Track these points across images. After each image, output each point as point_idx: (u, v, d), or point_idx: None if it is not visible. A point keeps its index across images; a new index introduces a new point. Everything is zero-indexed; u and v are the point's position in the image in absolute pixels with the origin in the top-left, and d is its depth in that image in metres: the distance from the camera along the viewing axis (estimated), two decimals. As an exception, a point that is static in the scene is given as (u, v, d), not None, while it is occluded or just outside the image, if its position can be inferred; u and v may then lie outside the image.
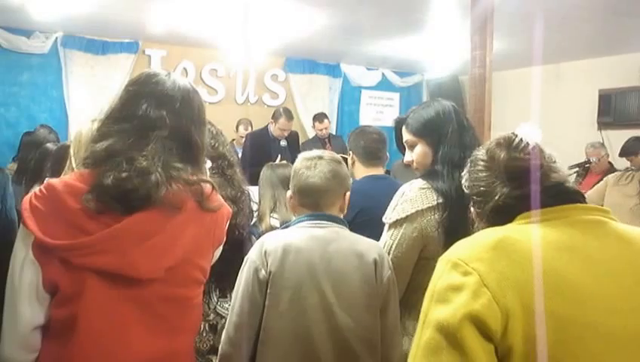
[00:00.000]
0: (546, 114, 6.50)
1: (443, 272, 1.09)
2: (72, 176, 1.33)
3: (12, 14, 5.26)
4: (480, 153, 1.31)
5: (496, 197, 1.22)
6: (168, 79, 1.41)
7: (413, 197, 1.91)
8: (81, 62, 6.30)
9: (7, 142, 5.88)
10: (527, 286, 1.02)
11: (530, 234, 1.12)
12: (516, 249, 1.07)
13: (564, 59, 7.03)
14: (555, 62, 7.17)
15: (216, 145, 2.37)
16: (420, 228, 1.88)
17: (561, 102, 6.89)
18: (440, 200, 1.86)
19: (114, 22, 5.69)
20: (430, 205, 1.87)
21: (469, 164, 1.34)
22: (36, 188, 1.32)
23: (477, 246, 1.10)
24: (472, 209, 1.34)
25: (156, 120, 1.34)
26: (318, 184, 1.84)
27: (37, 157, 3.37)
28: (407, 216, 1.90)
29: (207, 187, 1.39)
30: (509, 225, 1.17)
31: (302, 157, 1.95)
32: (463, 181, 1.36)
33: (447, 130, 1.95)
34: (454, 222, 1.82)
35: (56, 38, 6.22)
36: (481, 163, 1.28)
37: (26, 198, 1.30)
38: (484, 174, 1.27)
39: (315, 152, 1.95)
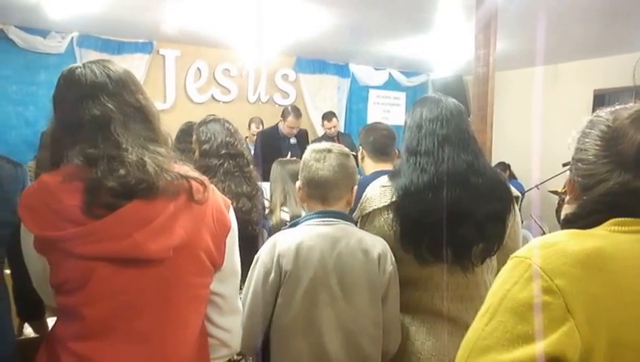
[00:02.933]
0: (544, 112, 6.60)
1: (520, 278, 0.91)
2: (61, 171, 1.30)
3: (28, 14, 5.31)
4: (604, 118, 1.07)
5: (610, 184, 1.00)
6: (86, 70, 1.36)
7: (373, 195, 1.96)
8: None
9: (26, 141, 5.94)
10: (619, 316, 0.87)
11: (630, 249, 0.93)
12: (611, 268, 0.90)
13: (561, 59, 7.12)
14: (553, 63, 7.26)
15: (236, 143, 2.47)
16: (379, 226, 1.93)
17: (557, 102, 6.97)
18: (394, 199, 1.88)
19: (129, 22, 5.74)
20: (385, 204, 1.90)
21: (586, 125, 1.10)
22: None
23: (562, 255, 0.91)
24: (568, 174, 1.14)
25: (104, 112, 1.31)
26: (327, 177, 1.87)
27: (42, 161, 3.44)
28: (367, 214, 1.96)
29: (195, 184, 1.37)
30: (601, 232, 0.97)
31: (311, 148, 1.96)
32: (569, 141, 1.14)
33: (408, 123, 1.99)
34: (410, 218, 1.84)
35: (72, 38, 6.25)
36: (601, 132, 1.05)
37: (22, 196, 1.31)
38: (598, 148, 1.04)
39: (325, 145, 1.97)
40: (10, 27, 5.90)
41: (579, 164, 1.08)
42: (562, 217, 1.10)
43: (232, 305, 1.55)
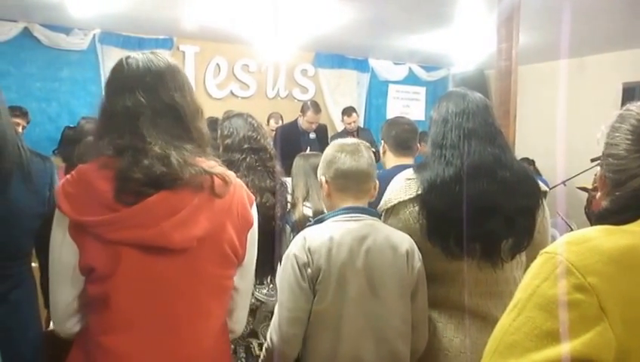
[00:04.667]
0: (569, 107, 6.49)
1: (550, 274, 0.88)
2: (99, 161, 1.36)
3: (52, 12, 5.40)
4: (634, 112, 1.05)
5: None
6: (134, 61, 1.41)
7: (398, 188, 1.97)
8: (118, 58, 5.97)
9: (49, 137, 5.99)
10: None
11: None
12: None
13: (588, 52, 6.99)
14: (579, 56, 7.13)
15: (258, 137, 2.48)
16: (404, 219, 1.93)
17: (585, 95, 6.84)
18: (419, 192, 1.88)
19: (149, 19, 5.79)
20: (410, 196, 1.90)
21: (615, 119, 1.08)
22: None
23: (596, 253, 0.87)
24: (597, 170, 1.12)
25: (136, 106, 1.36)
26: (364, 169, 1.89)
27: (81, 151, 3.50)
28: (392, 207, 1.96)
29: (217, 179, 1.41)
30: (635, 228, 0.94)
31: (338, 143, 1.97)
32: (599, 136, 1.11)
33: (434, 118, 1.99)
34: (436, 211, 1.84)
35: (94, 35, 6.33)
36: (631, 127, 1.02)
37: (59, 185, 1.37)
38: (629, 143, 1.02)
39: (352, 139, 1.99)
40: (34, 25, 6.00)
41: (609, 160, 1.05)
42: (595, 213, 1.08)
43: (244, 299, 1.63)
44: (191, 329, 1.40)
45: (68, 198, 1.32)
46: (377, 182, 1.96)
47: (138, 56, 1.44)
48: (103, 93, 1.45)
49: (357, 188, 1.90)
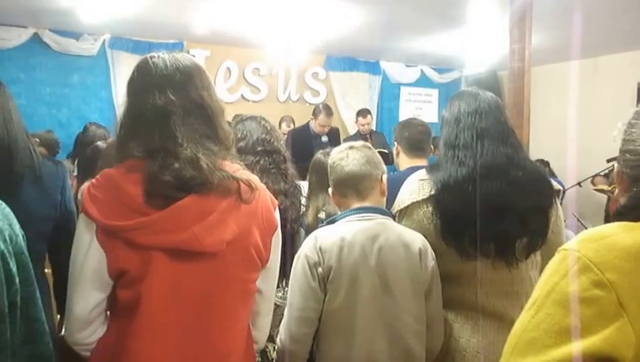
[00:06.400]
0: (584, 107, 6.43)
1: (568, 271, 0.88)
2: (126, 164, 1.36)
3: (62, 17, 5.44)
4: None
5: None
6: (160, 61, 1.40)
7: (411, 189, 1.97)
8: (128, 63, 6.38)
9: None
10: None
11: None
12: None
13: (602, 52, 6.92)
14: (593, 56, 7.06)
15: (272, 140, 2.46)
16: (418, 219, 1.94)
17: (599, 96, 6.77)
18: (433, 193, 1.89)
19: (159, 23, 5.82)
20: (424, 197, 1.91)
21: (632, 116, 1.07)
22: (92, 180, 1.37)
23: (613, 249, 0.87)
24: (616, 166, 1.10)
25: (166, 105, 1.34)
26: (355, 171, 1.89)
27: (89, 155, 3.50)
28: (406, 208, 1.96)
29: (243, 185, 1.40)
30: None
31: (334, 152, 2.00)
32: (615, 133, 1.10)
33: (446, 117, 1.99)
34: (450, 211, 1.84)
35: (104, 40, 6.39)
36: None
37: (84, 188, 1.35)
38: None
39: (345, 144, 2.01)
40: (44, 31, 6.05)
41: (627, 155, 1.04)
42: (613, 210, 1.06)
43: (268, 304, 1.62)
44: (221, 333, 1.41)
45: (95, 203, 1.31)
46: (382, 175, 1.94)
47: (164, 55, 1.42)
48: (126, 93, 1.43)
49: (355, 190, 1.91)
